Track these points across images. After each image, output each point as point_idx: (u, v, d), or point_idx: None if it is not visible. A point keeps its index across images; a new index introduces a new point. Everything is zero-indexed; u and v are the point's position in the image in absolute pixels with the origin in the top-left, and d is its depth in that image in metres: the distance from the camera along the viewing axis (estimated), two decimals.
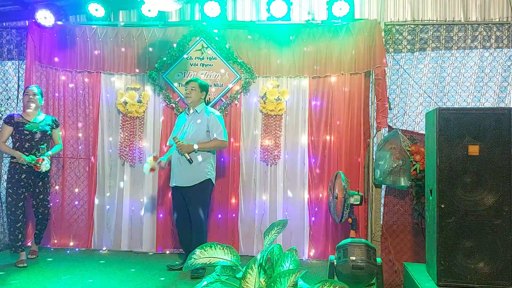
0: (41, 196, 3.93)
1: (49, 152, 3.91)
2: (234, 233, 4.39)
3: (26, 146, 3.80)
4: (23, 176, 3.79)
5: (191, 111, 3.86)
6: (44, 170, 3.80)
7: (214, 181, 3.85)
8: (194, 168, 3.69)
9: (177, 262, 3.93)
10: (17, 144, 3.81)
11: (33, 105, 3.88)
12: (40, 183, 3.91)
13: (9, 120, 3.83)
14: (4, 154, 4.51)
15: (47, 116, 4.05)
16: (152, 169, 3.87)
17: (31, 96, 3.87)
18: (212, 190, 3.92)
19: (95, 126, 4.53)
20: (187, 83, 3.91)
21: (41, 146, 3.84)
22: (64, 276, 3.58)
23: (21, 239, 3.80)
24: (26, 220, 3.95)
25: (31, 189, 3.88)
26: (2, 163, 4.57)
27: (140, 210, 4.49)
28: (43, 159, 3.78)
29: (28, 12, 4.42)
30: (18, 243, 3.79)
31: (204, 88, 3.89)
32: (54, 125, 4.02)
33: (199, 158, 3.71)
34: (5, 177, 4.64)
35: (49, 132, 3.94)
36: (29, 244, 4.27)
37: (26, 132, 3.81)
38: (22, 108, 4.41)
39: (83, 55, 4.53)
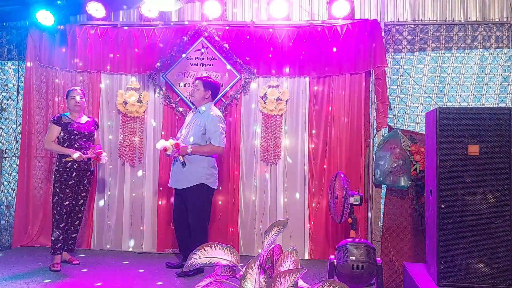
0: (84, 194, 3.93)
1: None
2: (234, 233, 4.39)
3: (76, 146, 3.82)
4: (73, 175, 3.79)
5: (196, 110, 3.82)
6: (104, 162, 3.96)
7: (213, 186, 3.74)
8: (185, 171, 3.63)
9: (177, 261, 3.93)
10: (66, 144, 3.81)
11: (79, 108, 3.92)
12: (86, 180, 3.91)
13: (58, 120, 3.84)
14: (3, 154, 4.51)
15: (89, 117, 4.07)
16: (165, 148, 3.64)
17: (77, 99, 3.88)
18: (210, 194, 3.77)
19: None
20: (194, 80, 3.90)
21: (91, 146, 3.89)
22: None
23: (61, 240, 3.77)
24: (71, 222, 3.91)
25: (76, 187, 3.85)
26: (2, 163, 4.57)
27: (140, 210, 4.49)
28: (102, 151, 3.89)
29: (28, 12, 4.41)
30: (57, 244, 3.76)
31: (208, 86, 3.78)
32: (96, 126, 4.08)
33: (192, 161, 3.63)
34: (4, 177, 4.66)
35: (93, 133, 3.99)
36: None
37: (75, 132, 3.83)
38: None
39: (83, 55, 4.53)
